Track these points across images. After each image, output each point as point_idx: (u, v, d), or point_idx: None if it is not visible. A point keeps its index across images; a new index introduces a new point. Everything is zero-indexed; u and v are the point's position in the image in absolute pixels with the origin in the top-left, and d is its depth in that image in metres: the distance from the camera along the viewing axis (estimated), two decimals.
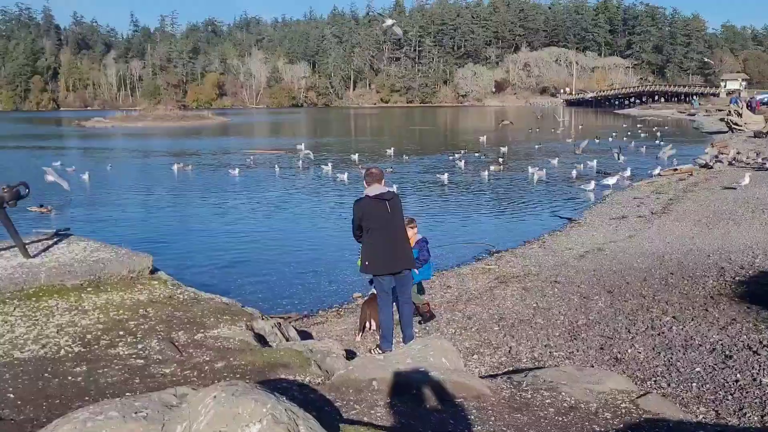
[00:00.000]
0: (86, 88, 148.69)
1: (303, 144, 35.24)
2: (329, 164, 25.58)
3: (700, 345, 5.57)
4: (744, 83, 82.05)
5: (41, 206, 16.90)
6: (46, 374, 4.15)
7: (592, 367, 5.33)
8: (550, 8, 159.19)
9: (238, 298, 9.84)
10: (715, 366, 5.00)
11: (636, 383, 4.57)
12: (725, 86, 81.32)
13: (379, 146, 39.05)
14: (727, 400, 4.30)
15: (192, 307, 5.87)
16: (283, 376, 4.48)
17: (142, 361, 4.53)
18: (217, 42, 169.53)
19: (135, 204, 19.04)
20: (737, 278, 7.78)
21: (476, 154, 30.78)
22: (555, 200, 18.33)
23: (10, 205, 6.18)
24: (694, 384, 4.69)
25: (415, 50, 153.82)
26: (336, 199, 19.39)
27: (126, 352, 4.68)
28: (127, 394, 3.96)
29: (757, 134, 31.91)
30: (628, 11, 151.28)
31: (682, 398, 4.42)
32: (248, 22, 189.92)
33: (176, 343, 5.02)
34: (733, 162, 21.97)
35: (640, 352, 5.61)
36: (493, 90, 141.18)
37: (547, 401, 3.84)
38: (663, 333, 6.09)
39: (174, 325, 5.33)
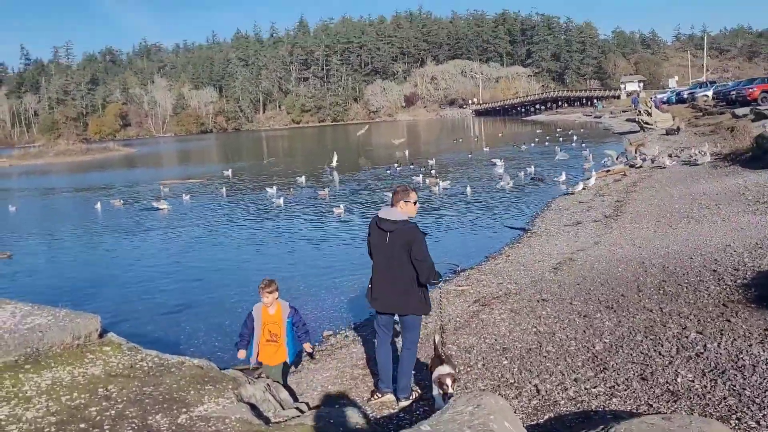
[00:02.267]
0: None
1: (230, 170, 34.19)
2: (274, 188, 24.36)
3: (755, 366, 5.01)
4: (641, 84, 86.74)
5: None
6: None
7: (652, 408, 4.65)
8: (451, 22, 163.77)
9: (192, 349, 8.72)
10: None
11: (724, 424, 3.90)
12: (625, 88, 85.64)
13: (294, 167, 37.97)
14: None
15: (163, 378, 4.77)
16: None
17: None
18: (116, 71, 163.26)
19: (49, 251, 17.08)
20: (738, 281, 7.40)
21: (411, 167, 30.65)
22: (499, 210, 17.98)
23: None
24: None
25: (323, 69, 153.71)
26: (279, 226, 18.21)
27: None
28: None
29: (669, 131, 33.23)
30: (526, 22, 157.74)
31: None
32: (148, 49, 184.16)
33: None
34: (667, 161, 22.43)
35: (692, 381, 4.98)
36: (403, 104, 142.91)
37: None
38: (701, 353, 5.52)
39: (148, 407, 4.22)
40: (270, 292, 6.26)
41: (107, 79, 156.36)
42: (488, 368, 6.29)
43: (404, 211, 5.57)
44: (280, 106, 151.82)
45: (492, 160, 29.97)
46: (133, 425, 3.93)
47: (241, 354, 6.13)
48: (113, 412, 4.08)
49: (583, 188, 18.67)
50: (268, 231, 17.51)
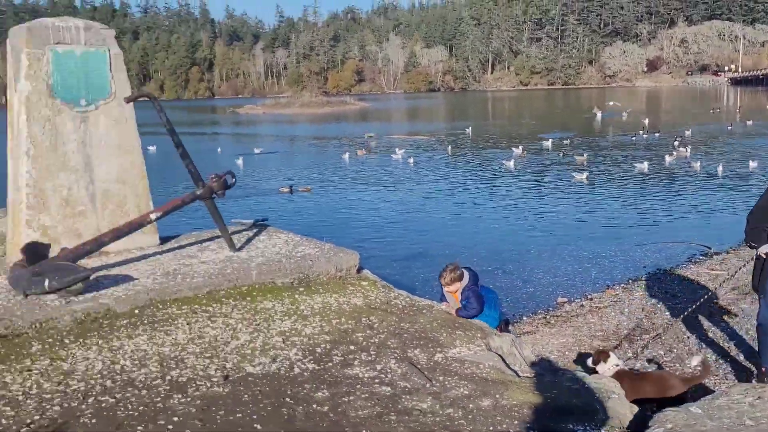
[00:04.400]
0: (237, 77, 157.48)
1: (470, 128, 35.04)
2: (519, 147, 24.62)
3: None
4: None
5: (290, 187, 17.77)
6: (286, 399, 3.41)
7: None
8: None
9: (427, 296, 9.10)
10: None
11: None
12: None
13: (524, 129, 37.17)
14: None
15: (416, 317, 5.03)
16: (572, 426, 3.49)
17: (388, 388, 3.71)
18: (356, 29, 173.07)
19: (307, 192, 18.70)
20: None
21: (656, 135, 28.64)
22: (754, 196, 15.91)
23: (219, 195, 5.65)
24: None
25: (557, 29, 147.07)
26: (516, 188, 18.19)
27: (365, 375, 3.89)
28: None
29: None
30: None
31: None
32: (386, 8, 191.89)
33: (418, 366, 4.21)
34: None
35: None
36: (645, 69, 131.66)
37: None
38: None
39: (406, 341, 4.50)
40: (447, 284, 5.36)
41: (347, 36, 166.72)
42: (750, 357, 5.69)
43: None
44: (508, 67, 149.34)
45: None
46: (395, 355, 4.18)
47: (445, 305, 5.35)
48: (376, 340, 4.37)
49: None
50: (504, 192, 17.60)
